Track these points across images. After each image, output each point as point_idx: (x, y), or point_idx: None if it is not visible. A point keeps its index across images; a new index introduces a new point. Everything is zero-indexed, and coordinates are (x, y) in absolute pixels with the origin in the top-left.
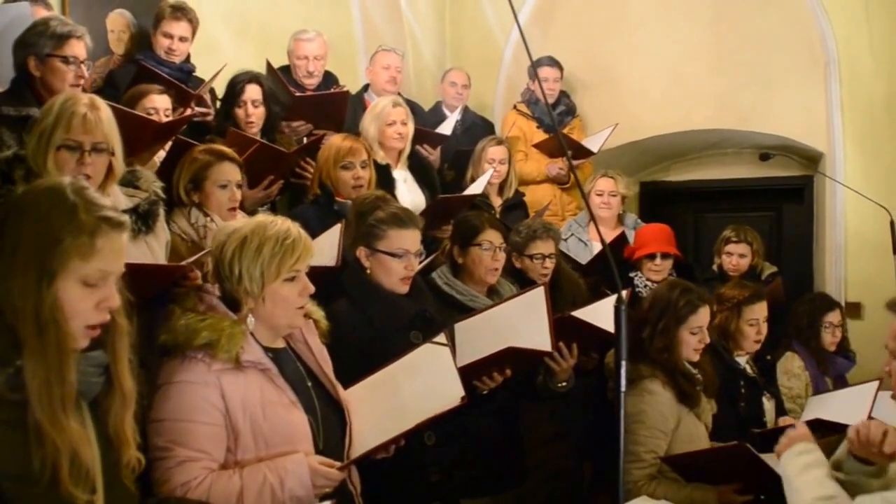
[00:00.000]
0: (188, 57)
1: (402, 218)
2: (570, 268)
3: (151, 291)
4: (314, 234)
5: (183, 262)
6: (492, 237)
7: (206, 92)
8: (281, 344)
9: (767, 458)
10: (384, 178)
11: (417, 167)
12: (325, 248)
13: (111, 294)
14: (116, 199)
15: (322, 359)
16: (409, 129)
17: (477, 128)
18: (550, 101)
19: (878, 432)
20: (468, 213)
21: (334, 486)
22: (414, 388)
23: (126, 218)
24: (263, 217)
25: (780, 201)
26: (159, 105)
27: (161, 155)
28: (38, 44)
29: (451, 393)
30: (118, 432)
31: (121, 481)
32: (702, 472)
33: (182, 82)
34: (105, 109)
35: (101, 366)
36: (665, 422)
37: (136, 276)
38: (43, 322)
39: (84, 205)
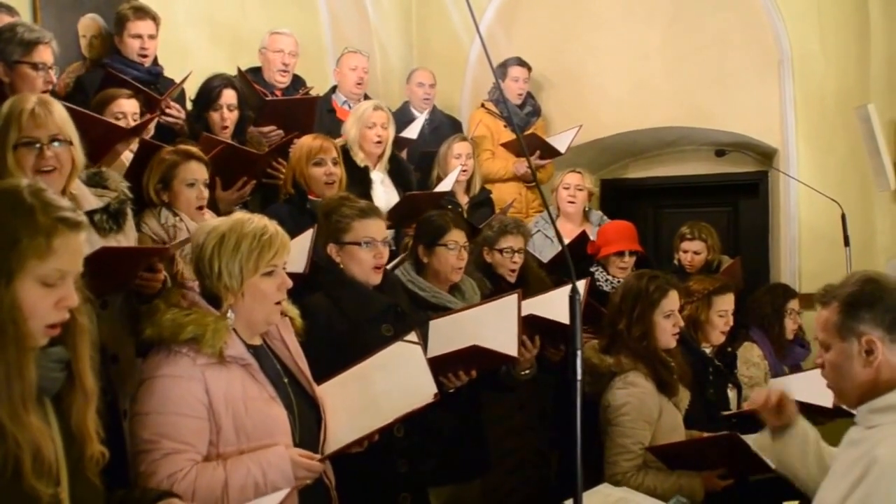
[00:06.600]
0: (156, 59)
1: (364, 209)
2: (536, 265)
3: (127, 277)
4: (287, 234)
5: (166, 245)
6: (457, 237)
7: (173, 96)
8: (258, 341)
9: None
10: (362, 178)
11: (396, 170)
12: (295, 253)
13: (70, 293)
14: (86, 199)
15: (298, 356)
16: (389, 133)
17: (445, 127)
18: (519, 100)
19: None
20: (433, 213)
21: (315, 477)
22: (387, 386)
23: (83, 218)
24: (240, 215)
25: (737, 196)
26: (128, 110)
27: (128, 156)
28: (6, 50)
29: (423, 390)
30: (81, 428)
31: (85, 475)
32: (686, 459)
33: (151, 84)
34: (55, 105)
35: (61, 361)
36: (649, 412)
37: (112, 261)
38: (1, 322)
39: (41, 206)
